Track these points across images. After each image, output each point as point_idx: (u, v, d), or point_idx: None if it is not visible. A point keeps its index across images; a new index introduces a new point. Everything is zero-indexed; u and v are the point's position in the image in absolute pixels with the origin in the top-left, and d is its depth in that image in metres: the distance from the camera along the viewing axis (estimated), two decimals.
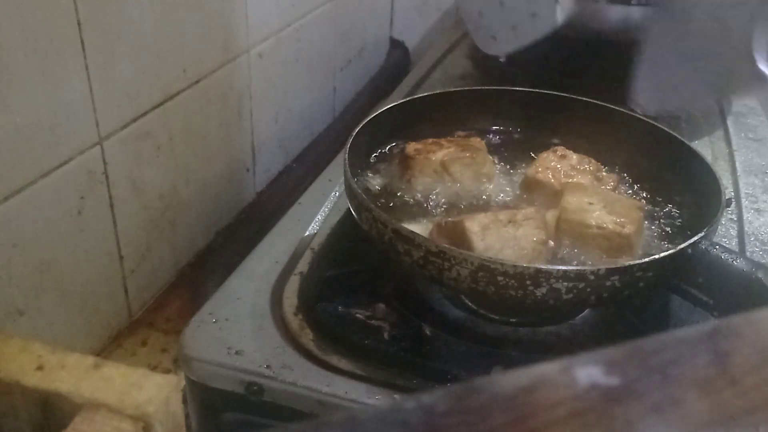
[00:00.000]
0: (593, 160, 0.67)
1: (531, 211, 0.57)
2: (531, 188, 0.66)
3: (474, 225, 0.55)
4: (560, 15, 0.89)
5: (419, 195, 0.64)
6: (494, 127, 0.75)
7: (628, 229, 0.56)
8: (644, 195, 0.66)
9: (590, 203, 0.59)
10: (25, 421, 0.51)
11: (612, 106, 0.73)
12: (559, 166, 0.66)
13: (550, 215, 0.59)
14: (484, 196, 0.65)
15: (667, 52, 0.52)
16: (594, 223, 0.57)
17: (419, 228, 0.57)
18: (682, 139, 0.67)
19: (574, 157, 0.67)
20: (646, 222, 0.61)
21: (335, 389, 0.52)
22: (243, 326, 0.57)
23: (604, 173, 0.67)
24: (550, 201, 0.63)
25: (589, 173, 0.65)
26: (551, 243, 0.58)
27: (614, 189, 0.65)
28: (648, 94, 0.54)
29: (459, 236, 0.55)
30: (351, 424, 0.17)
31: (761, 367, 0.19)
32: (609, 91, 0.79)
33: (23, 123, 0.57)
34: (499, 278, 0.49)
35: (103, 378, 0.50)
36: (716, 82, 0.49)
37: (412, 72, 1.12)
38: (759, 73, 0.46)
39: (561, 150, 0.67)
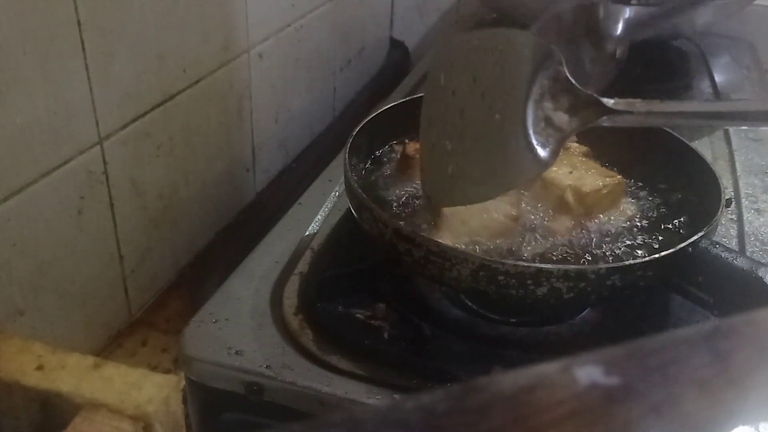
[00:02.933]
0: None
1: None
2: None
3: None
4: None
5: (419, 195, 0.64)
6: None
7: (587, 188, 0.59)
8: (644, 194, 0.66)
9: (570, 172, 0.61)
10: (25, 421, 0.51)
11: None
12: None
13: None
14: None
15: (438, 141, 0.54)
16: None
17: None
18: (682, 139, 0.67)
19: None
20: (645, 221, 0.62)
21: (335, 389, 0.52)
22: (243, 326, 0.57)
23: (575, 144, 0.67)
24: None
25: None
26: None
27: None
28: (436, 186, 0.56)
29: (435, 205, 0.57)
30: (351, 424, 0.17)
31: (761, 367, 0.19)
32: (609, 91, 0.79)
33: (23, 123, 0.57)
34: (500, 278, 0.49)
35: (103, 378, 0.50)
36: (492, 171, 0.51)
37: (412, 72, 1.12)
38: (533, 158, 0.48)
39: None
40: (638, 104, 0.48)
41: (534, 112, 0.48)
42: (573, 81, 0.48)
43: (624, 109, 0.47)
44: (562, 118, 0.48)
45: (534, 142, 0.48)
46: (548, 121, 0.48)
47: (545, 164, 0.48)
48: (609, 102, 0.47)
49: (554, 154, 0.48)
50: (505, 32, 0.52)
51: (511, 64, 0.50)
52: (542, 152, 0.48)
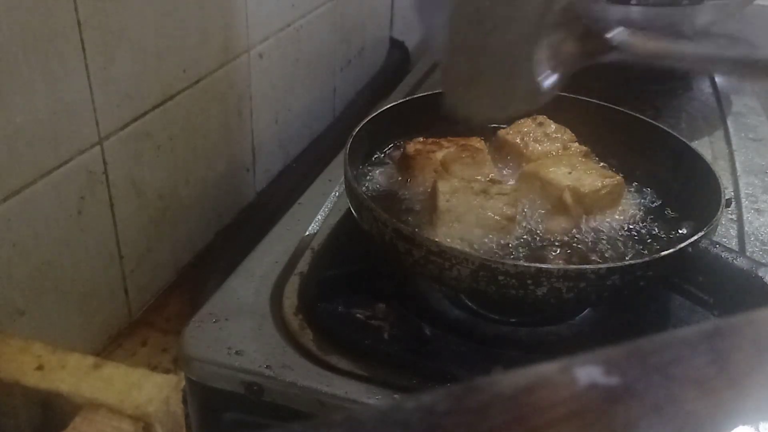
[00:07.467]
0: (570, 132, 0.69)
1: (506, 188, 0.58)
2: (499, 148, 0.69)
3: (445, 185, 0.57)
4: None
5: (419, 194, 0.64)
6: (494, 127, 0.75)
7: (586, 188, 0.59)
8: (644, 194, 0.66)
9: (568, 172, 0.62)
10: (25, 421, 0.51)
11: (613, 106, 0.73)
12: (532, 131, 0.68)
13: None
14: None
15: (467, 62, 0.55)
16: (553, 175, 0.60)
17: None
18: (682, 139, 0.67)
19: (552, 126, 0.69)
20: (645, 221, 0.62)
21: (335, 389, 0.52)
22: (243, 326, 0.57)
23: (575, 144, 0.68)
24: (517, 164, 0.67)
25: (559, 142, 0.67)
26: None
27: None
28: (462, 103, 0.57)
29: (433, 195, 0.57)
30: (351, 424, 0.17)
31: (761, 367, 0.19)
32: (609, 91, 0.79)
33: (23, 123, 0.57)
34: (500, 278, 0.49)
35: (103, 378, 0.50)
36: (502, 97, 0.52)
37: (412, 72, 1.12)
38: (537, 87, 0.49)
39: (541, 118, 0.69)
40: (647, 43, 0.48)
41: (544, 39, 0.48)
42: (583, 14, 0.48)
43: (630, 45, 0.47)
44: (569, 49, 0.48)
45: (539, 70, 0.48)
46: (556, 51, 0.48)
47: (545, 95, 0.49)
48: (616, 37, 0.47)
49: (554, 87, 0.49)
50: None
51: None
52: (545, 82, 0.49)
